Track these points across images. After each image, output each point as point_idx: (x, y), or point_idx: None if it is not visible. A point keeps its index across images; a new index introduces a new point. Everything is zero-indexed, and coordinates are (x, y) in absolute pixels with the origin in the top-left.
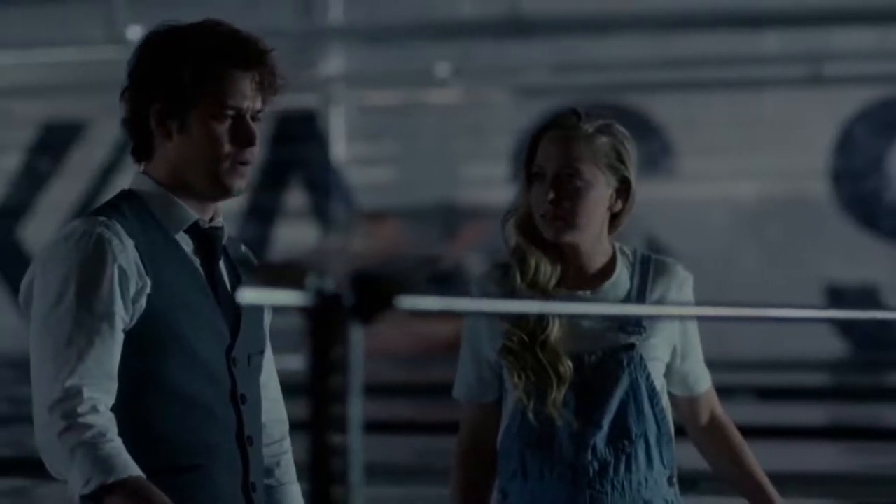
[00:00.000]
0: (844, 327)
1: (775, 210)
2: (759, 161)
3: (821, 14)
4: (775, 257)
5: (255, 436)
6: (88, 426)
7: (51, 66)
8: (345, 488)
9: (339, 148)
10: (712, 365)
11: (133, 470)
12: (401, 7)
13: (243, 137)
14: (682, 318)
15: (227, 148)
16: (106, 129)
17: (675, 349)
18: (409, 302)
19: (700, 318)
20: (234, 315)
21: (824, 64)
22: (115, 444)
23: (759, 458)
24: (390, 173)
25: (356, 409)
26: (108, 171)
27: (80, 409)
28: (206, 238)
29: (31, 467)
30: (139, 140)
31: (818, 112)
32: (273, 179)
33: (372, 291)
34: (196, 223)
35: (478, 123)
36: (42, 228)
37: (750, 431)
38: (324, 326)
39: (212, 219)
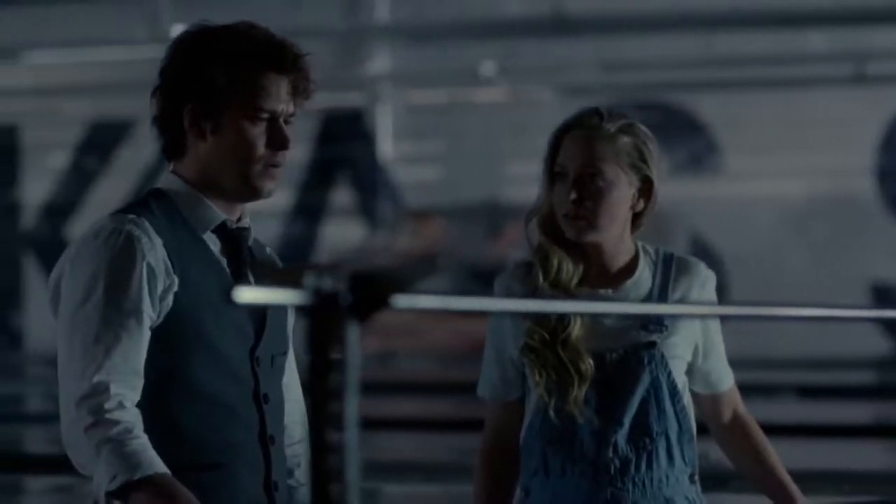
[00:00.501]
0: (890, 326)
1: (821, 209)
2: (804, 160)
3: (865, 13)
4: (821, 256)
5: (278, 436)
6: (115, 422)
7: (97, 65)
8: (342, 485)
9: (386, 147)
10: (757, 364)
11: (159, 467)
12: (446, 6)
13: (277, 141)
14: (704, 316)
15: (261, 150)
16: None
17: (697, 347)
18: (405, 301)
19: (722, 317)
20: (260, 316)
21: (869, 63)
22: (142, 441)
23: (802, 457)
24: (436, 172)
25: (353, 406)
26: (155, 170)
27: (107, 406)
28: (233, 238)
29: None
30: (171, 139)
31: (863, 111)
32: (320, 178)
33: (368, 290)
34: (224, 223)
35: (523, 122)
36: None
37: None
38: (322, 325)
39: (239, 219)
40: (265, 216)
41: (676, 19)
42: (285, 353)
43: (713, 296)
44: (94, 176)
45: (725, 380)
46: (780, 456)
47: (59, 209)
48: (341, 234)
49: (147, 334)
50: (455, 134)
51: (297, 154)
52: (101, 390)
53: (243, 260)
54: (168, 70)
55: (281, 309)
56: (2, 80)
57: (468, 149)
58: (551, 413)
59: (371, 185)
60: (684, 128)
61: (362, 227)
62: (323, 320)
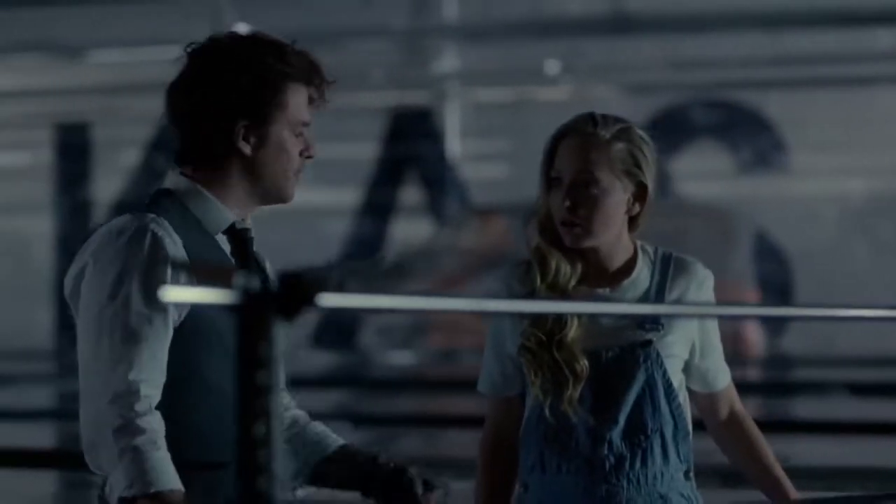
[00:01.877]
0: None
1: (886, 207)
2: (870, 158)
3: None
4: (885, 254)
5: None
6: (142, 430)
7: (166, 63)
8: (268, 477)
9: (454, 145)
10: (812, 362)
11: (175, 483)
12: (513, 5)
13: (310, 151)
14: (703, 316)
15: (298, 161)
16: None
17: (694, 346)
18: (331, 299)
19: (720, 317)
20: None
21: None
22: (162, 455)
23: (856, 454)
24: (503, 170)
25: (278, 402)
26: None
27: (138, 408)
28: (241, 239)
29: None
30: (209, 145)
31: None
32: (388, 176)
33: (295, 290)
34: (233, 224)
35: None
36: None
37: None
38: (250, 324)
39: (244, 220)
40: (334, 214)
41: (743, 17)
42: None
43: (711, 295)
44: (164, 173)
45: (722, 378)
46: (836, 452)
47: (131, 206)
48: (410, 232)
49: (171, 333)
50: (521, 132)
51: (366, 152)
52: (133, 391)
53: (250, 260)
54: (204, 78)
55: None
56: (74, 78)
57: (535, 147)
58: (547, 411)
59: (439, 183)
60: (750, 126)
61: (430, 224)
62: (251, 319)
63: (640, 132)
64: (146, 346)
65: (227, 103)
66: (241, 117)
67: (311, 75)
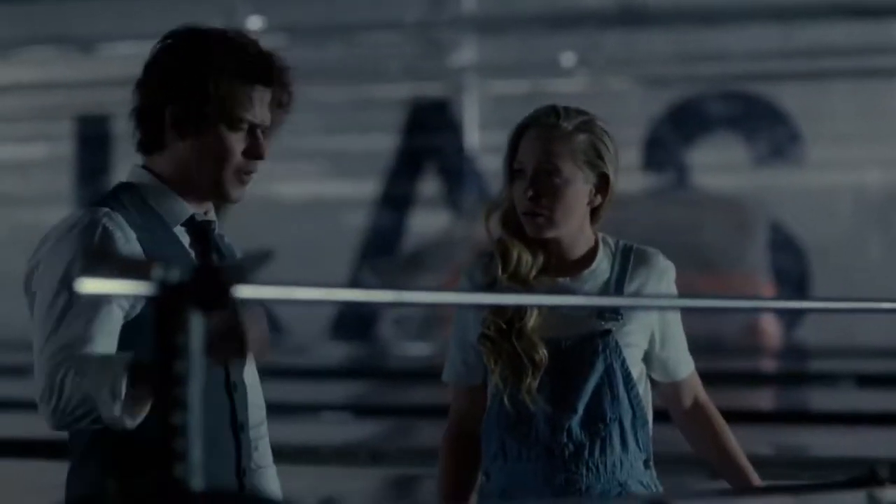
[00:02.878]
0: None
1: None
2: (885, 150)
3: None
4: None
5: (245, 422)
6: (89, 355)
7: None
8: (187, 465)
9: (472, 136)
10: (827, 353)
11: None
12: None
13: (254, 151)
14: (661, 308)
15: (237, 158)
16: None
17: (654, 336)
18: (247, 291)
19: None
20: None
21: None
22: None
23: (869, 445)
24: None
25: (196, 391)
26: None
27: (85, 351)
28: (200, 232)
29: None
30: (151, 134)
31: None
32: (407, 168)
33: (211, 282)
34: (192, 217)
35: (606, 112)
36: None
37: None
38: (167, 315)
39: (205, 213)
40: (353, 205)
41: (758, 10)
42: None
43: (672, 286)
44: None
45: (683, 368)
46: (849, 443)
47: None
48: (428, 223)
49: (120, 321)
50: None
51: (384, 144)
52: (82, 339)
53: (209, 252)
54: (154, 68)
55: None
56: (93, 70)
57: None
58: (506, 400)
59: (457, 175)
60: (766, 118)
61: (449, 216)
62: (168, 311)
63: (602, 124)
64: (97, 324)
65: (160, 91)
66: (175, 102)
67: (269, 76)
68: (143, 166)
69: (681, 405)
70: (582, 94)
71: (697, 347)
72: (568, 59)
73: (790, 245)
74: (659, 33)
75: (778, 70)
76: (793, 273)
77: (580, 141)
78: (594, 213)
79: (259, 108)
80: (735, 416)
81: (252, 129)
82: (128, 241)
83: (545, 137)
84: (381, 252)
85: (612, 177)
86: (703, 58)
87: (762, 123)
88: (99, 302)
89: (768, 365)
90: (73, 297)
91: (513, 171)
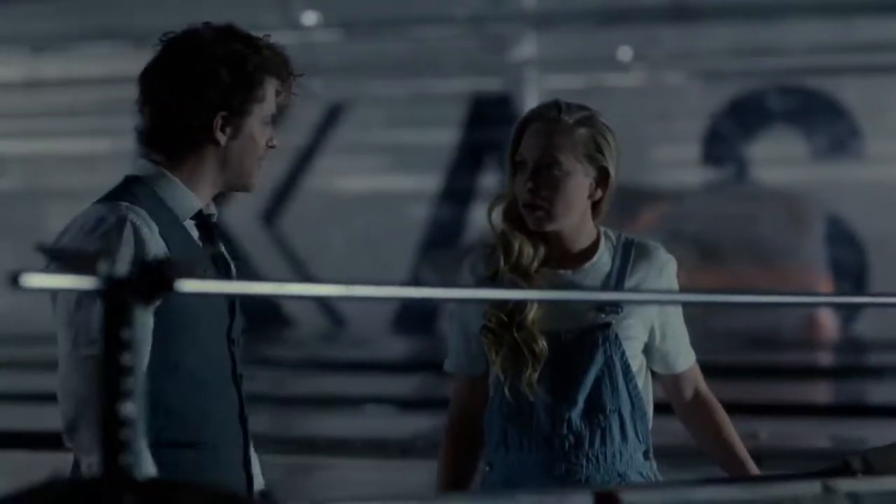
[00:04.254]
0: None
1: None
2: None
3: None
4: None
5: (247, 412)
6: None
7: None
8: (130, 454)
9: None
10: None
11: (151, 471)
12: None
13: (271, 140)
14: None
15: (263, 151)
16: (305, 113)
17: (654, 329)
18: (190, 285)
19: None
20: (230, 298)
21: None
22: (142, 441)
23: None
24: None
25: (140, 383)
26: (307, 154)
27: None
28: (206, 225)
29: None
30: (178, 133)
31: None
32: (468, 162)
33: (154, 276)
34: (199, 211)
35: (664, 107)
36: (242, 209)
37: None
38: (113, 308)
39: (208, 205)
40: (415, 199)
41: (818, 3)
42: (244, 332)
43: (672, 280)
44: None
45: (683, 360)
46: None
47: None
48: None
49: (151, 319)
50: None
51: (446, 138)
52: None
53: (217, 246)
54: (188, 74)
55: None
56: None
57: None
58: (507, 391)
59: None
60: (826, 112)
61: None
62: (114, 304)
63: (604, 120)
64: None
65: (207, 94)
66: (220, 108)
67: (281, 69)
68: (149, 159)
69: (682, 397)
70: (639, 89)
71: (755, 341)
72: (625, 53)
73: (848, 239)
74: (717, 28)
75: (837, 64)
76: (851, 267)
77: (581, 134)
78: (596, 207)
79: (279, 100)
80: (792, 410)
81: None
82: (153, 235)
83: (546, 131)
84: (443, 246)
85: (612, 171)
86: (762, 52)
87: (821, 117)
88: None
89: (826, 358)
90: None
91: (514, 164)
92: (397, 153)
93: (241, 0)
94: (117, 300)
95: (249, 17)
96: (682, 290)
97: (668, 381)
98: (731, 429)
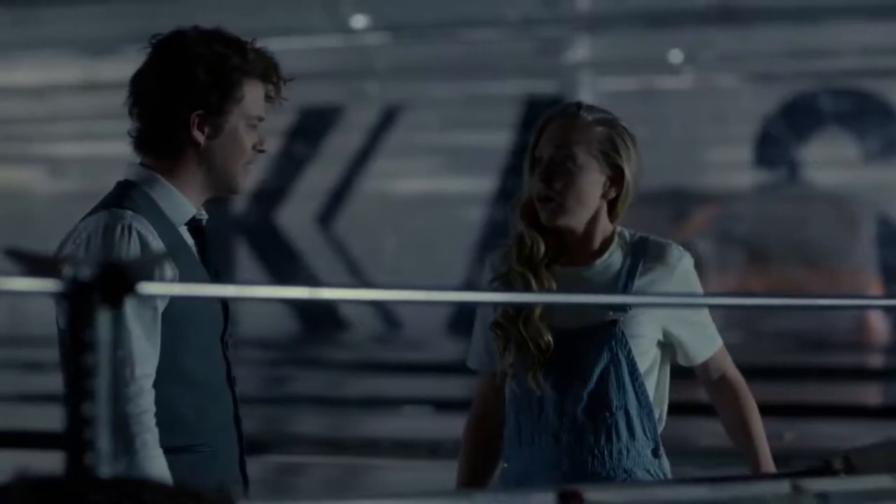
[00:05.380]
0: None
1: None
2: None
3: None
4: None
5: (240, 415)
6: (148, 428)
7: (303, 53)
8: (95, 454)
9: None
10: None
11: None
12: None
13: (261, 143)
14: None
15: (249, 154)
16: (360, 115)
17: (666, 326)
18: (152, 288)
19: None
20: (223, 301)
21: None
22: (160, 453)
23: None
24: None
25: (105, 383)
26: (362, 157)
27: (145, 405)
28: (199, 230)
29: (289, 444)
30: (164, 136)
31: None
32: (522, 164)
33: (115, 279)
34: (193, 216)
35: (716, 109)
36: (298, 212)
37: None
38: (77, 310)
39: (199, 210)
40: (470, 201)
41: (870, 6)
42: (232, 335)
43: (688, 277)
44: (303, 161)
45: (704, 351)
46: None
47: (269, 194)
48: None
49: (160, 325)
50: (651, 120)
51: (500, 140)
52: (140, 386)
53: (210, 251)
54: (169, 74)
55: None
56: None
57: (665, 135)
58: (515, 386)
59: None
60: (877, 115)
61: None
62: (78, 306)
63: (624, 125)
64: (145, 339)
65: (184, 93)
66: (196, 107)
67: (268, 73)
68: (143, 164)
69: (709, 382)
70: (690, 91)
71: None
72: (675, 56)
73: None
74: (768, 30)
75: (889, 66)
76: None
77: (598, 132)
78: (612, 207)
79: (265, 104)
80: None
81: (259, 124)
82: (157, 242)
83: (564, 127)
84: (497, 248)
85: (628, 172)
86: (814, 54)
87: (873, 120)
88: (144, 313)
89: (876, 360)
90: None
91: (533, 161)
92: (452, 155)
93: (290, 4)
94: (81, 303)
95: (299, 21)
96: (706, 293)
97: (698, 368)
98: (754, 414)
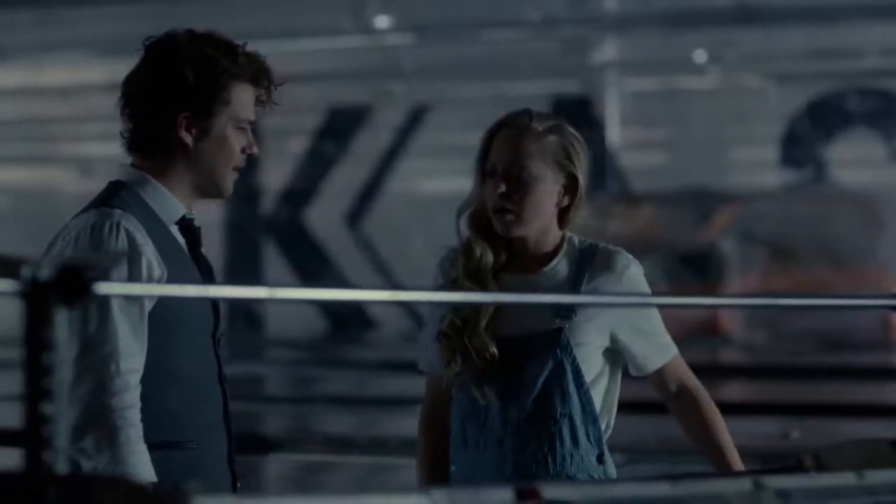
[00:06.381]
0: None
1: None
2: None
3: None
4: None
5: (230, 412)
6: (132, 423)
7: (331, 53)
8: (53, 451)
9: (613, 133)
10: None
11: (152, 478)
12: None
13: (250, 147)
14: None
15: (238, 157)
16: (388, 115)
17: (614, 334)
18: (108, 287)
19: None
20: (214, 300)
21: None
22: (143, 449)
23: None
24: (659, 158)
25: (62, 381)
26: (390, 157)
27: (129, 400)
28: (189, 229)
29: (316, 443)
30: (154, 137)
31: None
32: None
33: (72, 279)
34: (183, 216)
35: (742, 109)
36: (326, 212)
37: None
38: (34, 310)
39: (190, 211)
40: None
41: (894, 6)
42: (223, 334)
43: (636, 283)
44: (332, 161)
45: (656, 360)
46: None
47: (297, 194)
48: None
49: (146, 321)
50: (678, 120)
51: None
52: (125, 382)
53: (200, 250)
54: (159, 73)
55: None
56: None
57: (691, 135)
58: (461, 395)
59: (599, 171)
60: None
61: (591, 212)
62: (35, 306)
63: (572, 130)
64: (132, 335)
65: (172, 95)
66: (184, 109)
67: (259, 76)
68: (133, 165)
69: (666, 393)
70: (715, 91)
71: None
72: (700, 56)
73: None
74: (793, 30)
75: None
76: None
77: (550, 141)
78: (563, 215)
79: (254, 107)
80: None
81: (248, 127)
82: (147, 241)
83: (516, 137)
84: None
85: (580, 179)
86: (840, 54)
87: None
88: (131, 309)
89: None
90: (109, 307)
91: (484, 171)
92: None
93: (314, 5)
94: (39, 302)
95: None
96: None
97: (652, 377)
98: (718, 423)
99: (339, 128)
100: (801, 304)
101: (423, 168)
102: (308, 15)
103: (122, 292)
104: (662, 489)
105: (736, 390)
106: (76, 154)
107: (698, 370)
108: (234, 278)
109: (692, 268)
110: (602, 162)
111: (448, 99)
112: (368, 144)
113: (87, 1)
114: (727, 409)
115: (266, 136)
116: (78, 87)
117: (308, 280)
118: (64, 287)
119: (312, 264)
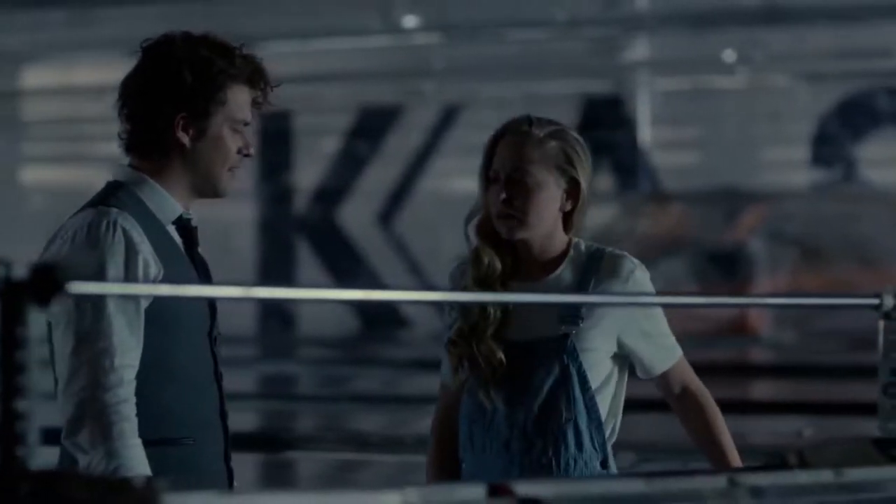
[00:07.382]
0: None
1: None
2: None
3: None
4: None
5: (226, 410)
6: (127, 417)
7: (363, 52)
8: (26, 448)
9: (644, 132)
10: None
11: (146, 472)
12: None
13: (247, 148)
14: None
15: (235, 157)
16: (419, 115)
17: (621, 339)
18: (82, 287)
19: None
20: (211, 299)
21: None
22: (139, 443)
23: None
24: (690, 157)
25: (34, 380)
26: (422, 156)
27: (123, 395)
28: (186, 228)
29: (347, 441)
30: (152, 137)
31: None
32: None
33: (46, 278)
34: (180, 215)
35: (772, 108)
36: (359, 211)
37: None
38: (8, 309)
39: (187, 211)
40: None
41: None
42: (220, 332)
43: (642, 287)
44: (364, 161)
45: (662, 363)
46: None
47: (330, 193)
48: (602, 218)
49: (143, 318)
50: (708, 119)
51: None
52: (119, 377)
53: (197, 250)
54: (155, 76)
55: None
56: (276, 67)
57: (721, 134)
58: (468, 397)
59: (631, 170)
60: None
61: (621, 211)
62: (9, 305)
63: (574, 134)
64: (128, 331)
65: (169, 96)
66: (181, 109)
67: (255, 78)
68: (131, 165)
69: (670, 394)
70: (745, 91)
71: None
72: (729, 55)
73: None
74: (823, 29)
75: None
76: None
77: (551, 147)
78: (568, 219)
79: (250, 108)
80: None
81: (244, 128)
82: (143, 240)
83: (518, 143)
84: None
85: (583, 183)
86: (870, 54)
87: None
88: (127, 306)
89: None
90: (105, 304)
91: (488, 178)
92: None
93: (342, 5)
94: (12, 301)
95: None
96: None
97: (658, 380)
98: (720, 425)
99: (371, 127)
100: (825, 303)
101: (455, 167)
102: (336, 15)
103: (95, 292)
104: (637, 486)
105: (764, 389)
106: (109, 153)
107: (727, 369)
108: (267, 278)
109: (721, 267)
110: (633, 161)
111: (480, 98)
112: (400, 144)
113: (119, 0)
114: (754, 407)
115: (299, 136)
116: (110, 87)
117: (341, 279)
118: (37, 287)
119: (345, 263)
